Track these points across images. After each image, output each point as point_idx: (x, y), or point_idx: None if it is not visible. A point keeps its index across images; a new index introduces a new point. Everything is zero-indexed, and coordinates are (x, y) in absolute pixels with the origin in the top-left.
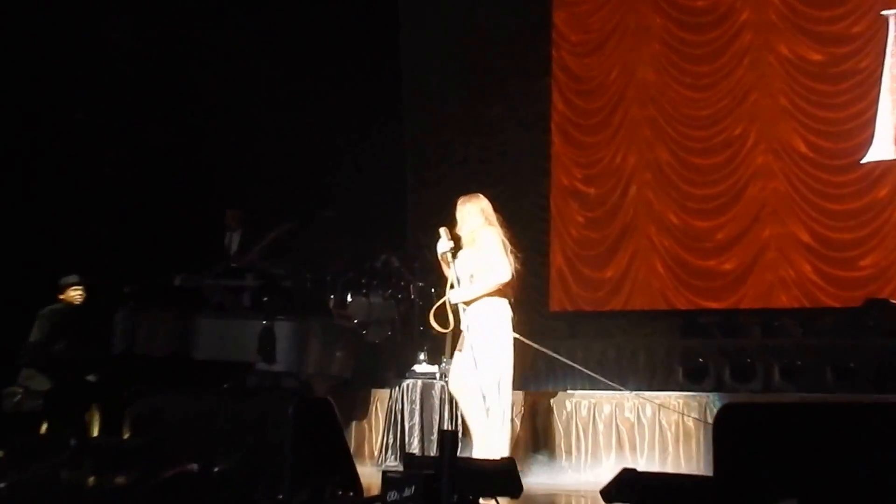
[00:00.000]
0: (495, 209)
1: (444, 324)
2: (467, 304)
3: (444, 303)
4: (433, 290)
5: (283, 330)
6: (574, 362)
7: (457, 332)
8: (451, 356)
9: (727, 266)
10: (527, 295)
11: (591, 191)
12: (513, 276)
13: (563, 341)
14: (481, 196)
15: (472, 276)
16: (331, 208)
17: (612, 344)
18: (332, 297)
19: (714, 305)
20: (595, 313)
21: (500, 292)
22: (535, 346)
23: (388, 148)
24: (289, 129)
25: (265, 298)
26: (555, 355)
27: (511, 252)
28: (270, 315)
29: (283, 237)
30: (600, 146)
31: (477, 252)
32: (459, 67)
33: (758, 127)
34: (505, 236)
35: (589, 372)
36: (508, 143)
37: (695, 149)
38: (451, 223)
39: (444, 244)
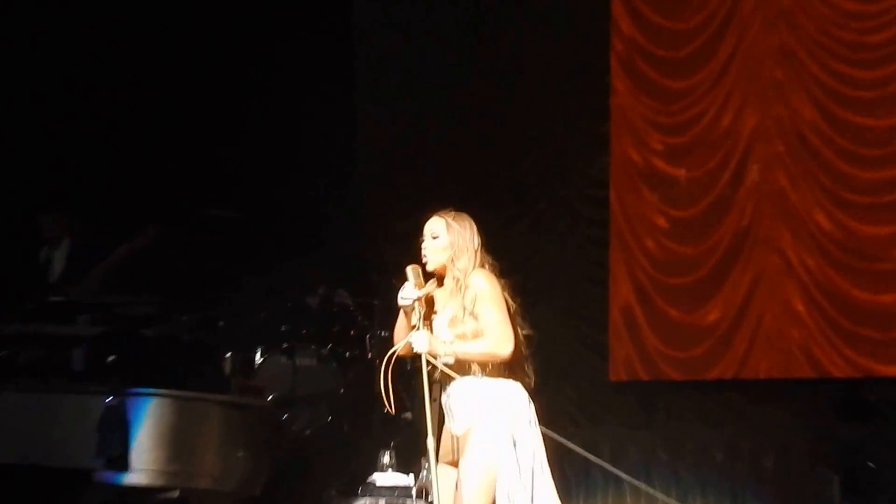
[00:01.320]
0: (487, 234)
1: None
2: (456, 371)
3: (399, 354)
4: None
5: (142, 413)
6: (648, 474)
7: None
8: (438, 458)
9: None
10: (568, 357)
11: (682, 173)
12: (518, 348)
13: (630, 433)
14: (468, 218)
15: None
16: (230, 205)
17: (716, 438)
18: (228, 356)
19: (893, 371)
20: (687, 385)
21: (508, 371)
22: (575, 447)
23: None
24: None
25: (111, 357)
26: (606, 466)
27: (515, 312)
28: (120, 386)
29: (144, 252)
30: (695, 95)
31: (468, 303)
32: None
33: None
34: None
35: (664, 498)
36: (531, 91)
37: (860, 102)
38: (418, 254)
39: (410, 291)
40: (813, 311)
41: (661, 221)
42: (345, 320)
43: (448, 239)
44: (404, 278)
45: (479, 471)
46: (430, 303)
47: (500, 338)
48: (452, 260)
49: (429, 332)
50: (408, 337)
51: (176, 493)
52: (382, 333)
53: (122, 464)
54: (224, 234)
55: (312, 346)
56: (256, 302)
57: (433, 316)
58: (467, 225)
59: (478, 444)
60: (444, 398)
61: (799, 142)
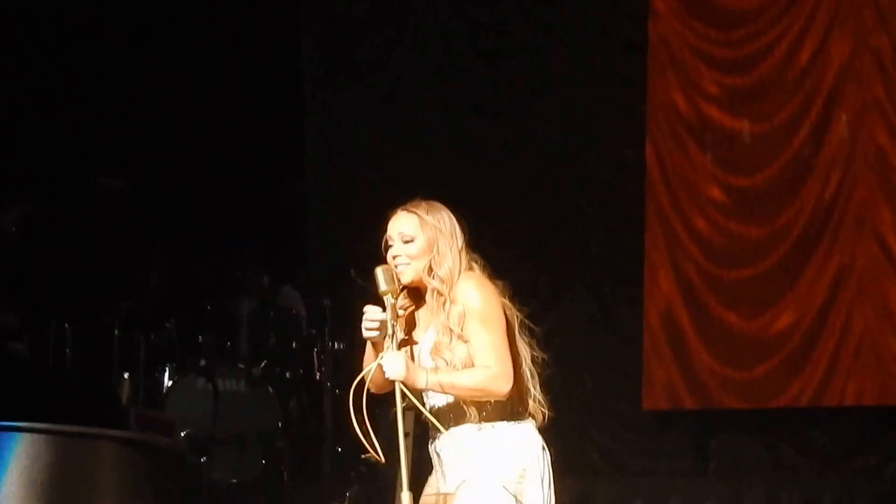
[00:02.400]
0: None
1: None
2: (440, 413)
3: (374, 380)
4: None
5: (7, 453)
6: None
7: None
8: None
9: None
10: (590, 382)
11: (744, 126)
12: (521, 378)
13: (674, 482)
14: (445, 209)
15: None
16: (124, 175)
17: (790, 487)
18: (126, 377)
19: None
20: (750, 415)
21: (513, 411)
22: None
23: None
24: None
25: None
26: None
27: (520, 325)
28: None
29: (7, 239)
30: (765, 19)
31: (454, 323)
32: None
33: None
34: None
35: None
36: (539, 14)
37: None
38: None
39: (375, 313)
40: None
41: (716, 192)
42: (285, 329)
43: (424, 241)
44: (373, 279)
45: None
46: (408, 323)
47: (496, 368)
48: (431, 269)
49: (406, 355)
50: (378, 359)
51: None
52: (336, 346)
53: None
54: (120, 214)
55: (240, 365)
56: (164, 305)
57: (412, 344)
58: (445, 218)
59: (471, 501)
60: (432, 445)
61: None
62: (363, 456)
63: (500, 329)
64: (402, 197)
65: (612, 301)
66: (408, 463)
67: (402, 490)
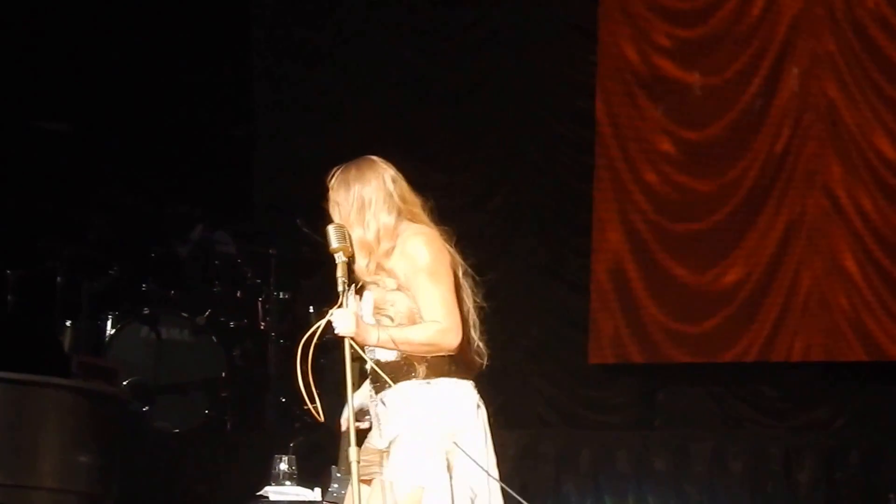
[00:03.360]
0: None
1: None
2: (385, 369)
3: (322, 336)
4: (313, 311)
5: None
6: (641, 490)
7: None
8: (348, 469)
9: None
10: (536, 333)
11: (695, 79)
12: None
13: (620, 435)
14: (382, 164)
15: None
16: (68, 117)
17: (734, 442)
18: (68, 325)
19: None
20: (697, 370)
21: (454, 366)
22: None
23: None
24: None
25: None
26: None
27: (467, 288)
28: None
29: None
30: None
31: (400, 272)
32: None
33: None
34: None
35: None
36: None
37: None
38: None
39: (336, 240)
40: (868, 271)
41: (666, 145)
42: (229, 277)
43: (350, 201)
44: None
45: (400, 497)
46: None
47: (446, 322)
48: (365, 226)
49: (356, 311)
50: (328, 315)
51: None
52: (280, 295)
53: None
54: (57, 155)
55: (184, 314)
56: (105, 250)
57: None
58: (373, 170)
59: (399, 462)
60: (371, 401)
61: (857, 37)
62: (305, 407)
63: (449, 283)
64: (347, 145)
65: (560, 252)
66: (354, 418)
67: (349, 445)
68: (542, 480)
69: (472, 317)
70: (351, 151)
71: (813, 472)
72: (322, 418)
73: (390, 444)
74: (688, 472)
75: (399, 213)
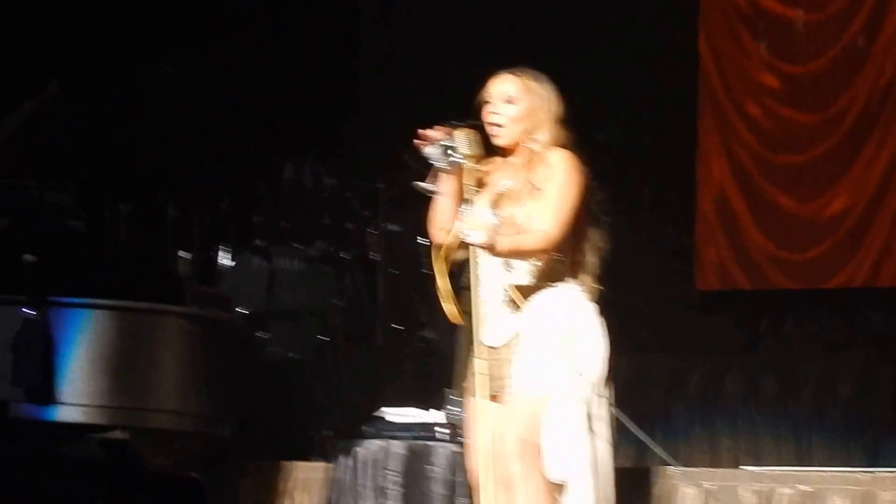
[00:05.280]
0: None
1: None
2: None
3: (455, 246)
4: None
5: (73, 330)
6: (750, 412)
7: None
8: (464, 392)
9: None
10: (641, 262)
11: (798, 14)
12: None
13: (726, 359)
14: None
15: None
16: (173, 59)
17: (842, 365)
18: (183, 256)
19: None
20: (803, 296)
21: (570, 276)
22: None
23: None
24: None
25: (28, 256)
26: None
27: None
28: (42, 294)
29: (53, 116)
30: None
31: (536, 179)
32: None
33: None
34: None
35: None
36: None
37: None
38: (476, 119)
39: (467, 147)
40: None
41: (770, 79)
42: (339, 210)
43: (526, 105)
44: (451, 142)
45: (521, 406)
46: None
47: (552, 230)
48: (530, 132)
49: (489, 215)
50: (466, 219)
51: (120, 435)
52: (389, 227)
53: (48, 396)
54: (170, 93)
55: (295, 245)
56: (217, 184)
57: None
58: (548, 88)
59: (522, 371)
60: (482, 300)
61: None
62: (463, 311)
63: (573, 203)
64: (456, 77)
65: (664, 185)
66: (474, 327)
67: (474, 357)
68: (652, 404)
69: (599, 251)
70: (459, 83)
71: None
72: (461, 321)
73: (510, 340)
74: (796, 396)
75: (556, 132)
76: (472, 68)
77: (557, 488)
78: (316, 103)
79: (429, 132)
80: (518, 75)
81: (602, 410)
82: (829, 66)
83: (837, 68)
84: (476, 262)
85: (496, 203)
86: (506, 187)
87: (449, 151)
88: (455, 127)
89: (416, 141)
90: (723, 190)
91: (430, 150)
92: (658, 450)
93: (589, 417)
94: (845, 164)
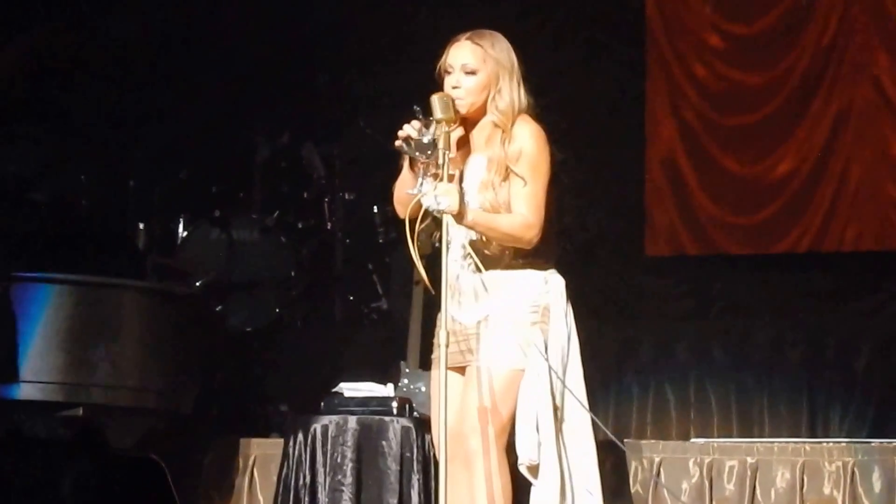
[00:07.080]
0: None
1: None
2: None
3: (424, 219)
4: (377, 211)
5: (33, 306)
6: (700, 378)
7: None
8: (422, 363)
9: None
10: (591, 227)
11: None
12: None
13: (676, 325)
14: (506, 41)
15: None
16: (134, 23)
17: (790, 331)
18: (142, 227)
19: None
20: (750, 260)
21: (540, 258)
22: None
23: None
24: None
25: None
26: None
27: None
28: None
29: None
30: None
31: (512, 161)
32: None
33: None
34: None
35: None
36: None
37: None
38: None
39: (441, 111)
40: None
41: (715, 40)
42: (297, 179)
43: (486, 74)
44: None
45: (499, 377)
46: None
47: (532, 217)
48: (494, 99)
49: (458, 188)
50: (432, 188)
51: (79, 412)
52: (346, 196)
53: (7, 373)
54: (131, 61)
55: (253, 215)
56: (176, 154)
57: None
58: (505, 49)
59: (494, 345)
60: (455, 279)
61: None
62: (416, 283)
63: (545, 181)
64: (417, 36)
65: (613, 148)
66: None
67: (440, 328)
68: (604, 371)
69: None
70: (420, 47)
71: (868, 359)
72: (434, 291)
73: (479, 324)
74: (747, 361)
75: (519, 96)
76: (431, 28)
77: (528, 472)
78: (271, 68)
79: (406, 129)
80: (477, 43)
81: (572, 385)
82: (773, 24)
83: (781, 26)
84: (446, 229)
85: (483, 186)
86: (480, 178)
87: (426, 142)
88: (421, 121)
89: (396, 143)
90: (671, 152)
91: (409, 147)
92: (604, 428)
93: (556, 394)
94: (791, 125)
